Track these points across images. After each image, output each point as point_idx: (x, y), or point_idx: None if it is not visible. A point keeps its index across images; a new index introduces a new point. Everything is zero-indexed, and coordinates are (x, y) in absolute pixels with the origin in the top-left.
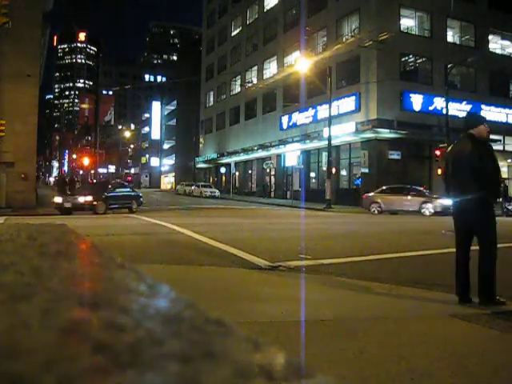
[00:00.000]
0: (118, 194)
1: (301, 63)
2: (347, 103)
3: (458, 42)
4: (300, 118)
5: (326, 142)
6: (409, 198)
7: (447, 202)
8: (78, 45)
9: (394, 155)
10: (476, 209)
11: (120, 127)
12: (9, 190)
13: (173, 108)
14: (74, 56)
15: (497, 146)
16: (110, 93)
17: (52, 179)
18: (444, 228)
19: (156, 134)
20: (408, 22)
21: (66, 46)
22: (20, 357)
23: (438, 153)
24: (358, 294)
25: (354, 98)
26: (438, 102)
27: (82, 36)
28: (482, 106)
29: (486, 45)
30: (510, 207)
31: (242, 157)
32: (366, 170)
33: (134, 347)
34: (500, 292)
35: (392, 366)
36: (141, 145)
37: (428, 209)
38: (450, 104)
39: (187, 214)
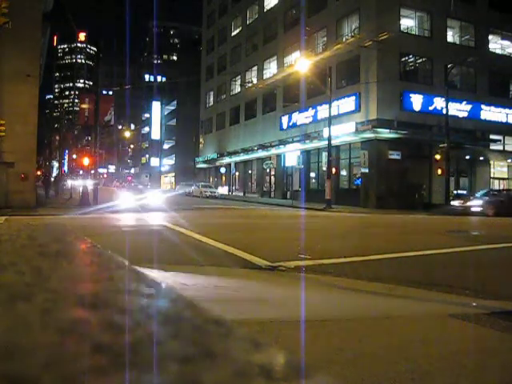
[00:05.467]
0: None
1: (301, 63)
2: (347, 103)
3: (457, 42)
4: (300, 118)
5: (326, 142)
6: None
7: None
8: (78, 45)
9: (394, 155)
10: None
11: (120, 127)
12: (9, 190)
13: (173, 108)
14: (73, 56)
15: (497, 146)
16: (110, 93)
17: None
18: (448, 228)
19: (156, 134)
20: (408, 22)
21: (65, 46)
22: (20, 357)
23: (437, 157)
24: (358, 294)
25: (353, 98)
26: (438, 102)
27: (81, 36)
28: (482, 106)
29: (486, 45)
30: None
31: (242, 157)
32: (366, 170)
33: (134, 347)
34: (504, 292)
35: (392, 365)
36: (141, 145)
37: None
38: (450, 104)
39: (187, 214)
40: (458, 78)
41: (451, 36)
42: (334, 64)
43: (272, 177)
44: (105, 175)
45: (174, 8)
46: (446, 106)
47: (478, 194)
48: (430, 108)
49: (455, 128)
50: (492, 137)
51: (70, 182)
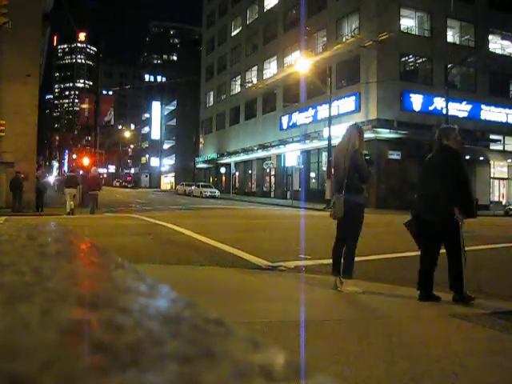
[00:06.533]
0: None
1: (301, 63)
2: (347, 103)
3: (457, 42)
4: (300, 117)
5: (326, 142)
6: None
7: None
8: (78, 45)
9: (394, 155)
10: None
11: (120, 127)
12: (9, 190)
13: (173, 108)
14: (73, 56)
15: (496, 146)
16: (110, 93)
17: (52, 179)
18: None
19: (156, 134)
20: (408, 22)
21: (65, 46)
22: (20, 357)
23: None
24: (358, 294)
25: (353, 98)
26: (438, 102)
27: (81, 36)
28: (482, 106)
29: (486, 45)
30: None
31: (242, 157)
32: None
33: (134, 347)
34: (504, 292)
35: (392, 365)
36: (141, 145)
37: None
38: (450, 104)
39: (187, 214)
40: (458, 78)
41: (451, 36)
42: (333, 64)
43: (272, 177)
44: (105, 175)
45: (174, 8)
46: (446, 106)
47: None
48: (430, 108)
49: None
50: (492, 137)
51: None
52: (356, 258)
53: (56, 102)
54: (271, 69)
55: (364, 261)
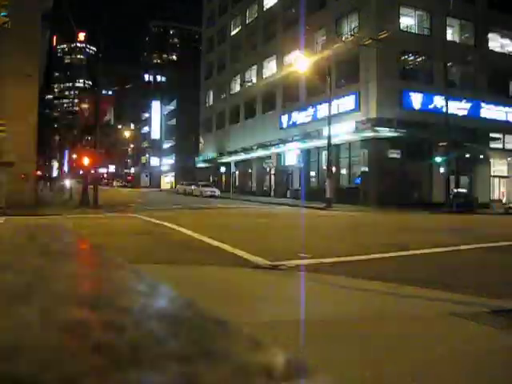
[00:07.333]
0: None
1: (300, 62)
2: (347, 102)
3: (457, 41)
4: (300, 116)
5: (326, 141)
6: None
7: None
8: (78, 45)
9: (394, 154)
10: None
11: (120, 127)
12: (9, 190)
13: (173, 108)
14: (73, 56)
15: (496, 145)
16: (110, 93)
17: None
18: (450, 226)
19: (156, 134)
20: (408, 21)
21: (65, 45)
22: (20, 357)
23: (438, 159)
24: (358, 294)
25: (353, 96)
26: (438, 101)
27: (81, 36)
28: (482, 105)
29: (486, 43)
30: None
31: (242, 156)
32: (366, 169)
33: (134, 347)
34: (505, 290)
35: (392, 365)
36: (141, 145)
37: None
38: (450, 102)
39: (187, 213)
40: (458, 77)
41: (451, 34)
42: (333, 63)
43: (272, 176)
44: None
45: (174, 8)
46: (446, 105)
47: None
48: (430, 106)
49: (455, 126)
50: (492, 135)
51: (68, 182)
52: (357, 257)
53: (56, 101)
54: (271, 68)
55: (365, 260)
